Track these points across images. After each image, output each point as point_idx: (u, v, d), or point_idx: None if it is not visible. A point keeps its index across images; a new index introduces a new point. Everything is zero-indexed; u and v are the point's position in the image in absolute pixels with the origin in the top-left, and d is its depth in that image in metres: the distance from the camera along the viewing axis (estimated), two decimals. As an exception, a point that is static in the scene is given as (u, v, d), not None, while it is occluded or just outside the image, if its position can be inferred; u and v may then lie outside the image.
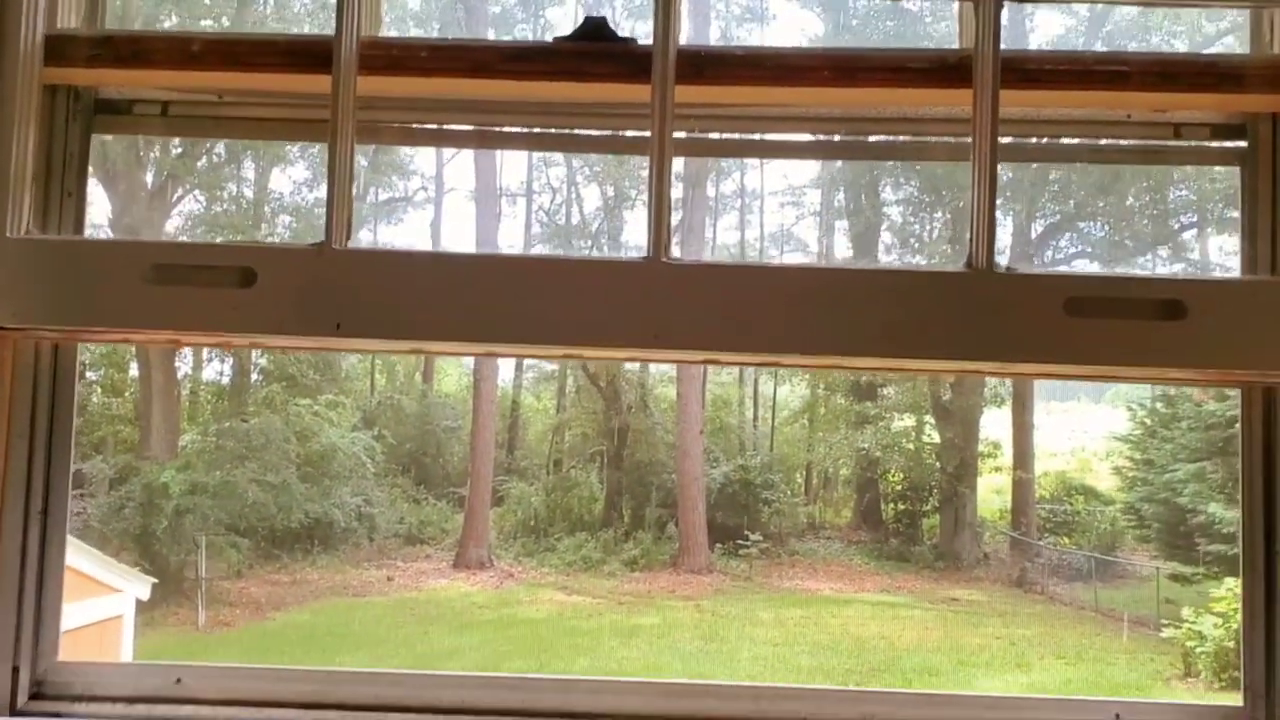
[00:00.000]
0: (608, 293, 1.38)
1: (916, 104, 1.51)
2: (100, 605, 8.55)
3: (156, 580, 10.84)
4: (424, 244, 19.34)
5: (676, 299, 1.38)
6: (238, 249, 1.42)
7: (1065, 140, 1.58)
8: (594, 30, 1.50)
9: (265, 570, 16.41)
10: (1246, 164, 1.51)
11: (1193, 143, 1.54)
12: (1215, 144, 1.55)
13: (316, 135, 1.52)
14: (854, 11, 17.57)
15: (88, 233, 1.53)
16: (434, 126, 1.59)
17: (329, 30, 1.44)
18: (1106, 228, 16.98)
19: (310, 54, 1.47)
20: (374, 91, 1.50)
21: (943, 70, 1.46)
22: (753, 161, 19.40)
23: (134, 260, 1.40)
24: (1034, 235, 17.20)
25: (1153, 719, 1.47)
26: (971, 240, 1.39)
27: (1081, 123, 1.56)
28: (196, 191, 17.63)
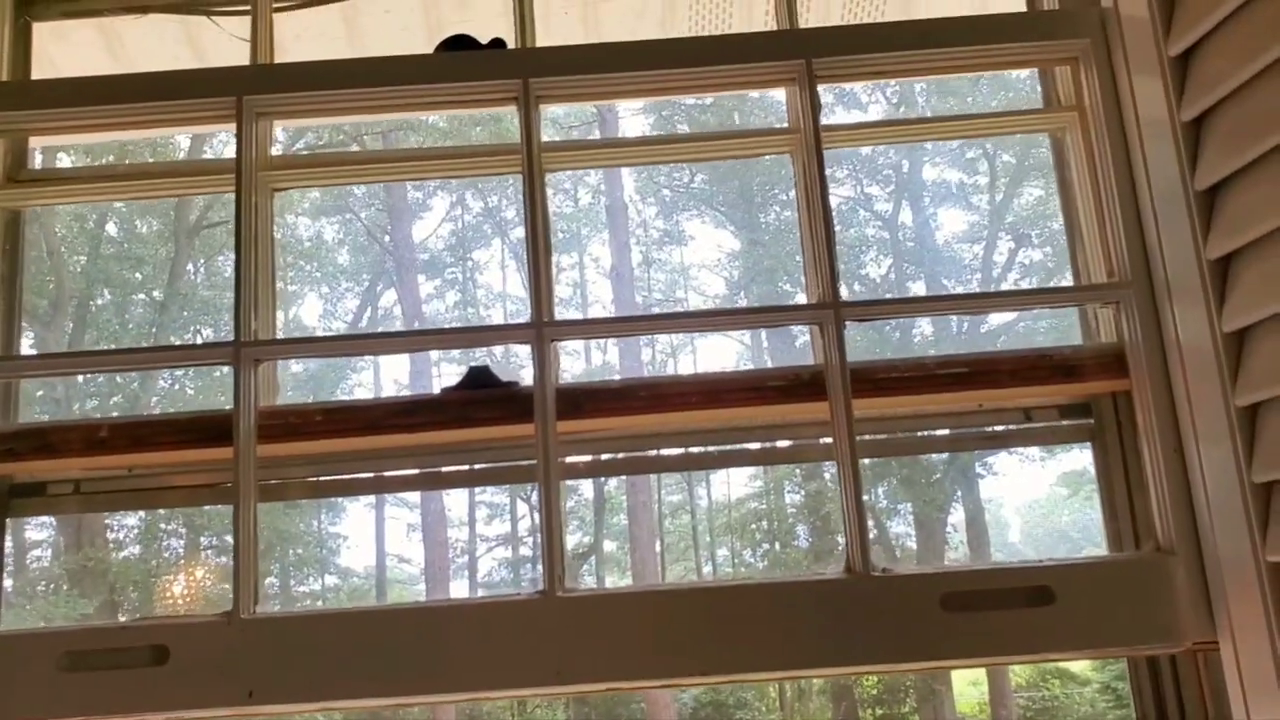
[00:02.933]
0: (508, 633, 1.44)
1: (780, 417, 1.63)
2: None
3: None
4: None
5: (574, 633, 1.43)
6: (148, 628, 1.46)
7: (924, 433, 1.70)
8: (478, 378, 1.61)
9: None
10: (1096, 441, 1.63)
11: (1043, 424, 1.67)
12: (1065, 423, 1.67)
13: (223, 499, 1.60)
14: (765, 227, 18.35)
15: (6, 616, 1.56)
16: (336, 478, 1.67)
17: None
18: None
19: (210, 429, 1.56)
20: (276, 455, 1.58)
21: (799, 385, 1.57)
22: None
23: (46, 650, 1.43)
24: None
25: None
26: (847, 545, 1.48)
27: (941, 415, 1.68)
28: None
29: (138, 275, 16.82)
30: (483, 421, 1.58)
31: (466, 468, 1.71)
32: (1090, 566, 1.46)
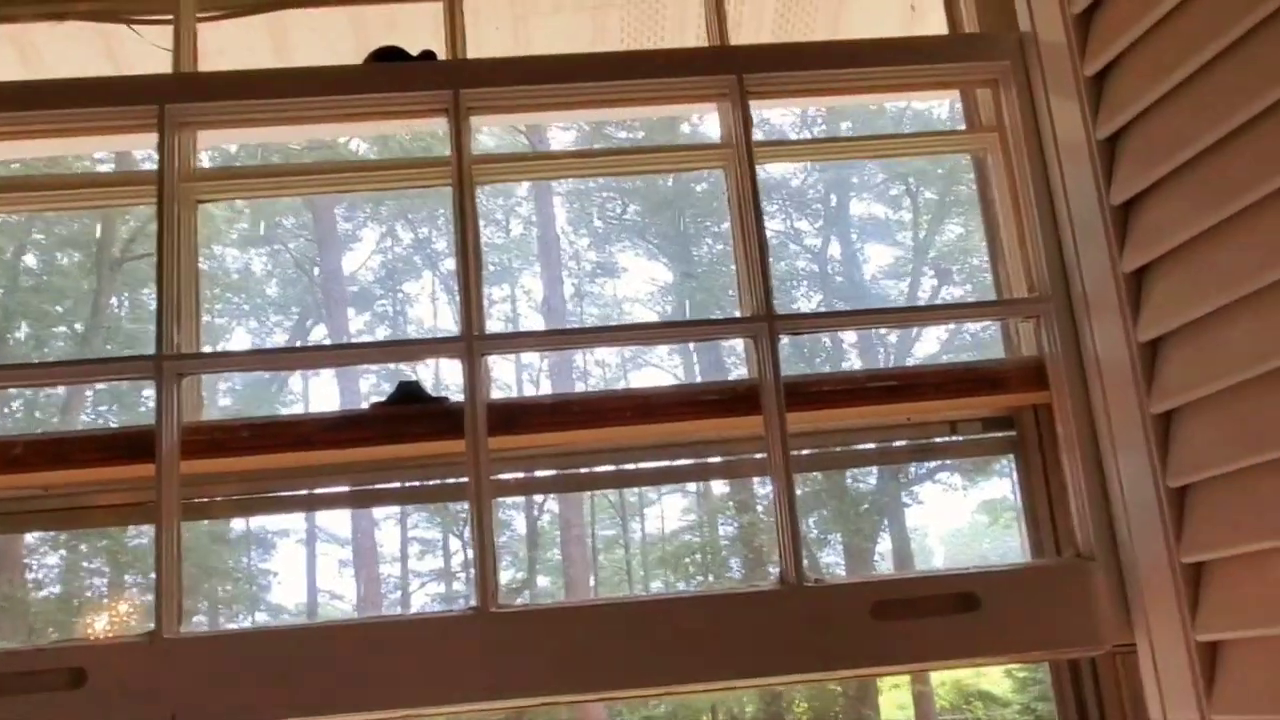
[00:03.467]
0: (441, 649, 1.42)
1: (715, 431, 1.64)
2: None
3: None
4: (299, 525, 18.78)
5: (508, 648, 1.42)
6: (65, 650, 1.42)
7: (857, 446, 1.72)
8: (408, 393, 1.59)
9: None
10: (1017, 452, 1.67)
11: (968, 437, 1.70)
12: (989, 436, 1.70)
13: (146, 518, 1.56)
14: (698, 260, 18.48)
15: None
16: (263, 495, 1.64)
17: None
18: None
19: (132, 444, 1.53)
20: (199, 471, 1.55)
21: (734, 399, 1.59)
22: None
23: (-44, 673, 1.39)
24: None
25: None
26: (780, 556, 1.49)
27: (871, 429, 1.70)
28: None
29: (58, 308, 16.44)
30: (413, 437, 1.56)
31: (397, 485, 1.69)
32: (1014, 573, 1.49)
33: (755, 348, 1.55)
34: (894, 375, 1.61)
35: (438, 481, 1.67)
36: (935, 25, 1.86)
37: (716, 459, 1.71)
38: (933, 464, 17.49)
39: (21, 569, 14.92)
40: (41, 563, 15.62)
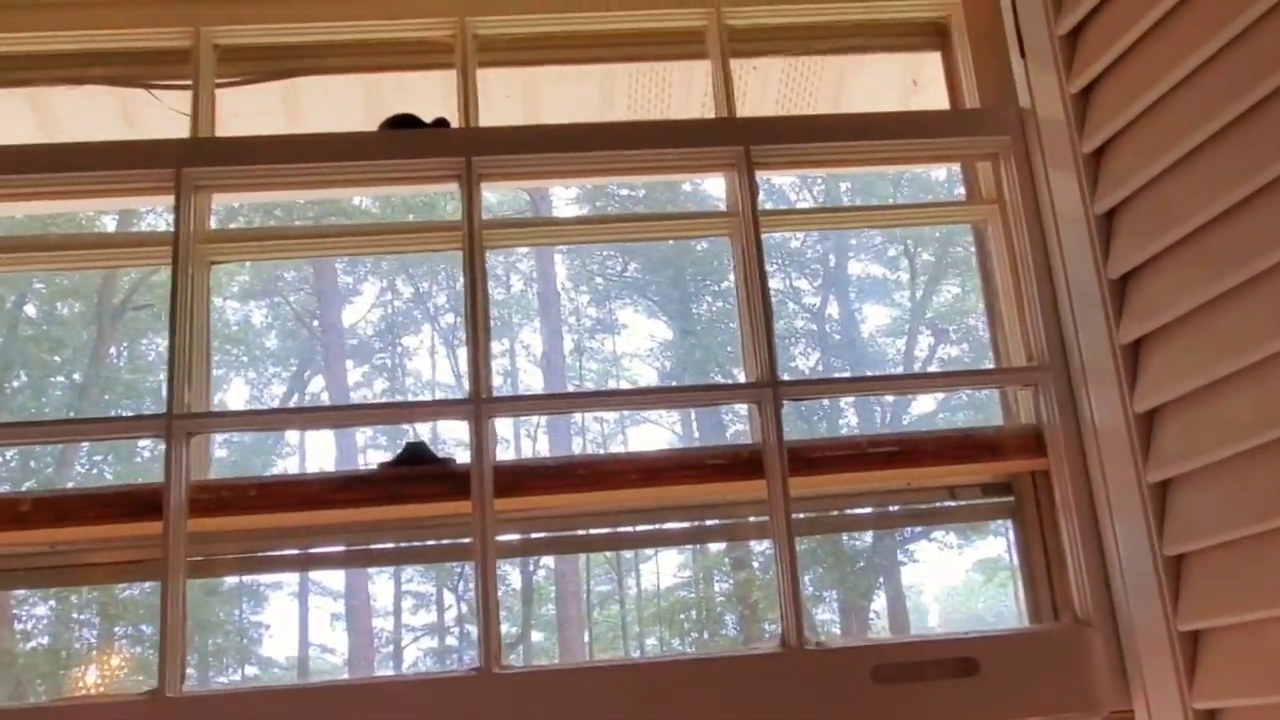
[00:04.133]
0: (443, 711, 1.42)
1: (718, 495, 1.65)
2: None
3: None
4: (292, 578, 18.65)
5: (510, 710, 1.43)
6: (65, 708, 1.42)
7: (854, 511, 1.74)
8: (414, 454, 1.61)
9: None
10: (1016, 518, 1.68)
11: (966, 502, 1.71)
12: (987, 501, 1.72)
13: (150, 575, 1.57)
14: (697, 317, 18.55)
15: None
16: (266, 555, 1.65)
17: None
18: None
19: (139, 503, 1.54)
20: (206, 530, 1.57)
21: (738, 464, 1.60)
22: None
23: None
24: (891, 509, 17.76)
25: None
26: (782, 619, 1.50)
27: (871, 494, 1.72)
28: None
29: (57, 358, 16.44)
30: (418, 498, 1.58)
31: (396, 546, 1.71)
32: (1012, 638, 1.50)
33: (759, 413, 1.57)
34: (894, 441, 1.63)
35: (438, 541, 1.68)
36: (935, 98, 1.91)
37: (715, 521, 1.72)
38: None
39: (9, 620, 14.79)
40: (30, 613, 15.48)
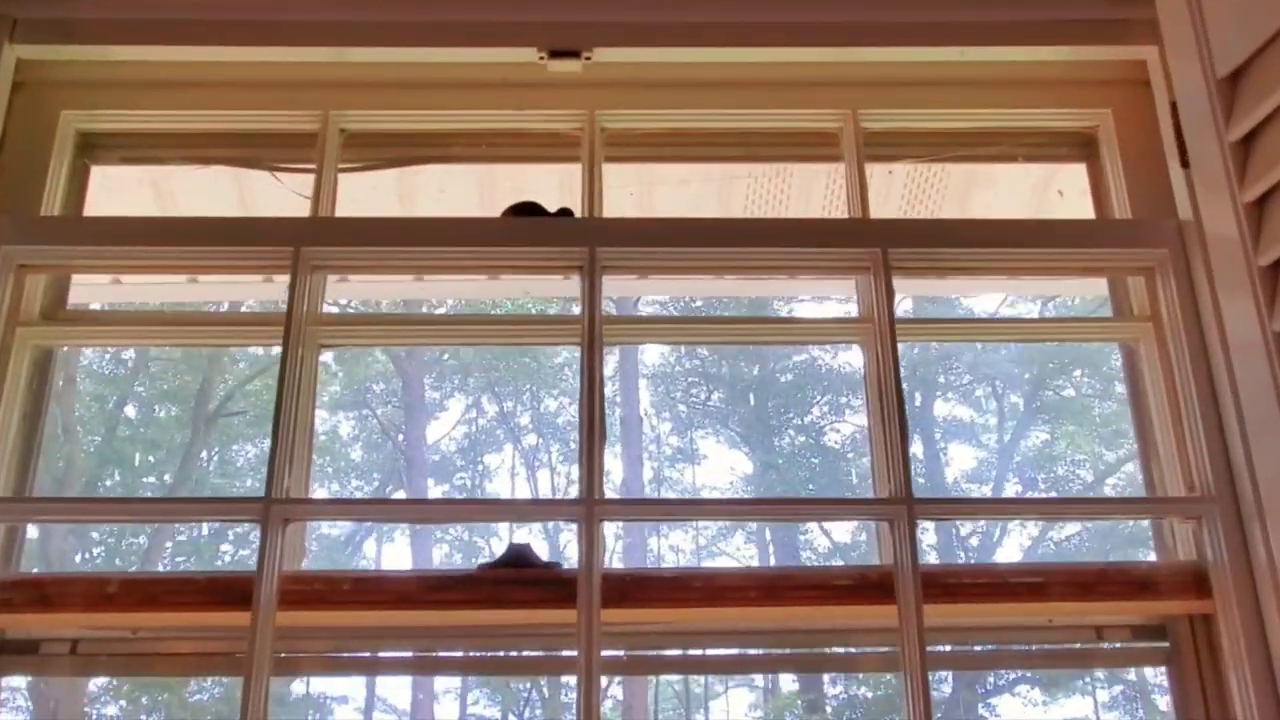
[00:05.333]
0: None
1: (843, 619, 1.52)
2: None
3: None
4: (358, 692, 18.47)
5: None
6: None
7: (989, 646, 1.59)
8: (516, 556, 1.52)
9: None
10: (1172, 664, 1.52)
11: (1116, 644, 1.56)
12: (1138, 644, 1.56)
13: (232, 669, 1.48)
14: (780, 450, 18.33)
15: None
16: (362, 655, 1.56)
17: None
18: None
19: (229, 591, 1.46)
20: (295, 623, 1.48)
21: (865, 586, 1.48)
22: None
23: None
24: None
25: None
26: (914, 763, 1.35)
27: (1007, 629, 1.57)
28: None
29: (150, 459, 16.77)
30: (521, 603, 1.47)
31: (496, 655, 1.60)
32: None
33: (892, 531, 1.45)
34: (1040, 571, 1.50)
35: (537, 653, 1.57)
36: (1078, 212, 1.82)
37: (838, 649, 1.59)
38: (1012, 675, 16.74)
39: (82, 718, 14.79)
40: (101, 713, 15.48)
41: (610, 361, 17.94)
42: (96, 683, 14.78)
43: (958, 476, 18.90)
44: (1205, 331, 1.51)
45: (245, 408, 15.86)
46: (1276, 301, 1.36)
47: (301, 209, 1.68)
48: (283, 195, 1.82)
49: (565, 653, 1.55)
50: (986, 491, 18.31)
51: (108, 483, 16.43)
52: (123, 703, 14.89)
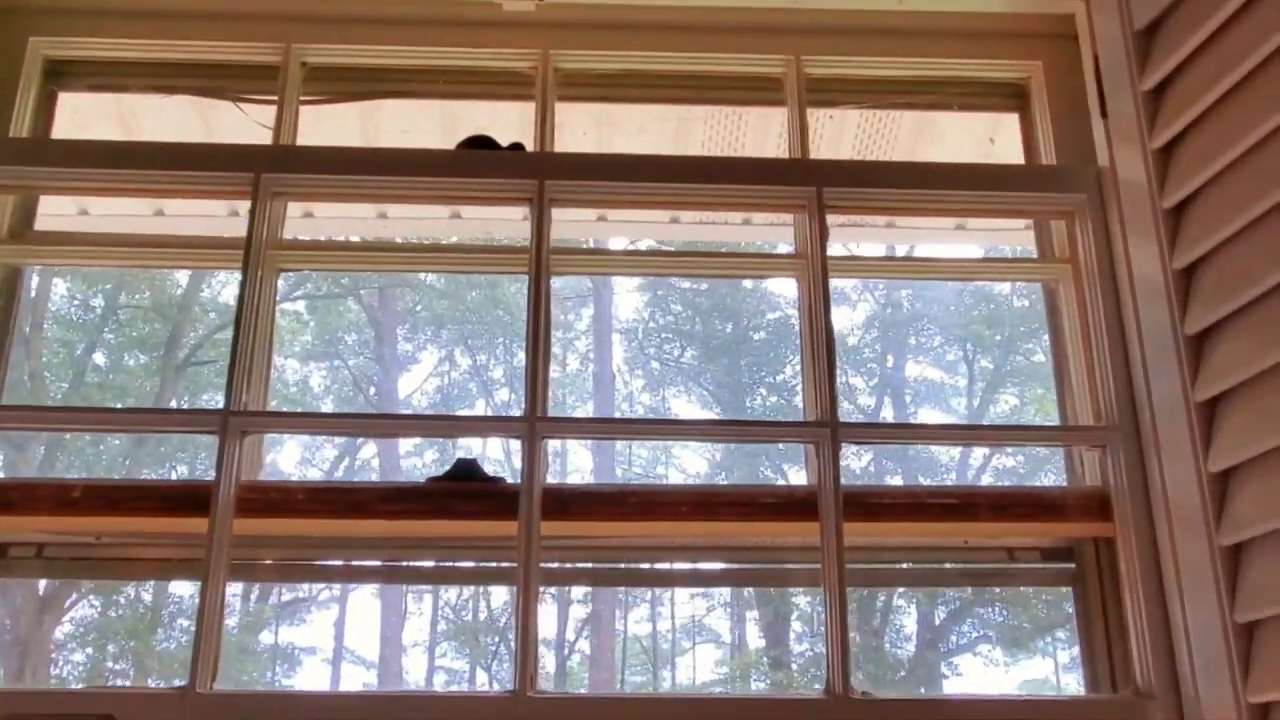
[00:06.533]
0: (473, 730, 1.39)
1: (770, 535, 1.62)
2: None
3: None
4: (326, 644, 18.61)
5: (541, 735, 1.39)
6: (97, 695, 1.40)
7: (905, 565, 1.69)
8: (465, 470, 1.60)
9: None
10: (1077, 585, 1.62)
11: (1026, 565, 1.66)
12: (1047, 566, 1.66)
13: (192, 574, 1.56)
14: (751, 409, 18.42)
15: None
16: (305, 562, 1.64)
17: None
18: (1005, 612, 17.22)
19: (189, 498, 1.54)
20: (251, 531, 1.55)
21: (791, 505, 1.57)
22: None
23: (-12, 709, 1.38)
24: (937, 621, 17.33)
25: None
26: (828, 667, 1.44)
27: (924, 549, 1.67)
28: (91, 596, 17.03)
29: (119, 406, 16.73)
30: (465, 514, 1.56)
31: (437, 565, 1.68)
32: (1069, 704, 1.45)
33: (816, 454, 1.54)
34: (954, 494, 1.60)
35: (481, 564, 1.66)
36: (1011, 158, 1.90)
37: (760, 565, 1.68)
38: (974, 635, 17.01)
39: (48, 663, 14.86)
40: (68, 659, 15.55)
41: (584, 316, 17.93)
42: (61, 632, 14.91)
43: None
44: (1117, 272, 1.60)
45: (215, 357, 15.83)
46: (1178, 242, 1.46)
47: (265, 141, 1.75)
48: (246, 129, 1.87)
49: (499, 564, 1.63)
50: (955, 454, 18.55)
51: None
52: (89, 649, 15.00)
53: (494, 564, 1.64)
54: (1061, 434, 1.66)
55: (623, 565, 1.68)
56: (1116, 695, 1.49)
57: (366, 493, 1.58)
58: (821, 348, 1.59)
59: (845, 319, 17.72)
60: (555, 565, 1.66)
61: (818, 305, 1.61)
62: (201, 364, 16.53)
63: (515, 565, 1.47)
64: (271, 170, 1.63)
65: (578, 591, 17.24)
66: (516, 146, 1.70)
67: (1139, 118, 1.52)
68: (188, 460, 15.95)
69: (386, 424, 1.92)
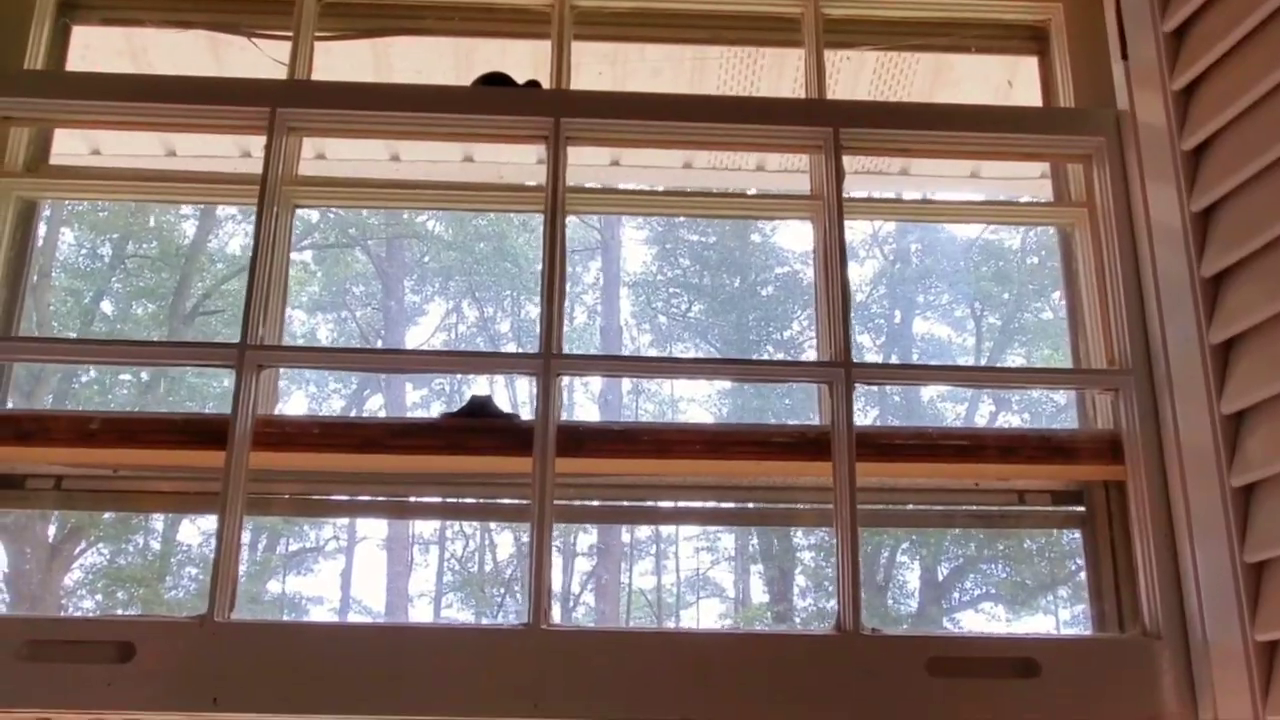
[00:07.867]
0: (487, 661, 1.41)
1: (782, 474, 1.63)
2: None
3: None
4: (333, 594, 18.81)
5: (556, 667, 1.40)
6: (116, 623, 1.42)
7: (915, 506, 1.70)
8: (479, 407, 1.61)
9: None
10: (1086, 528, 1.63)
11: (1036, 508, 1.67)
12: (1056, 509, 1.67)
13: (209, 507, 1.58)
14: (757, 365, 18.43)
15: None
16: (319, 497, 1.65)
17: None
18: (1008, 570, 17.30)
19: (206, 431, 1.55)
20: (266, 465, 1.57)
21: (804, 444, 1.58)
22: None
23: (7, 636, 1.39)
24: (940, 578, 17.45)
25: None
26: (839, 604, 1.46)
27: (934, 490, 1.68)
28: (101, 544, 17.19)
29: (134, 340, 16.77)
30: (480, 450, 1.57)
31: (447, 501, 1.70)
32: (1077, 643, 1.45)
33: (830, 394, 1.55)
34: (965, 435, 1.60)
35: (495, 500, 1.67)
36: (1030, 102, 1.89)
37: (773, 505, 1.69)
38: (977, 592, 17.09)
39: (58, 609, 15.04)
40: (77, 605, 15.73)
41: (592, 269, 17.89)
42: (70, 579, 15.05)
43: (933, 396, 19.13)
44: (1134, 215, 1.60)
45: (223, 306, 15.85)
46: (1196, 184, 1.45)
47: (279, 76, 1.74)
48: (261, 67, 1.86)
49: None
50: (962, 411, 18.57)
51: (83, 378, 16.45)
52: (99, 597, 15.15)
53: (508, 500, 1.65)
54: (1076, 377, 1.66)
55: (647, 504, 1.69)
56: (1124, 635, 1.51)
57: (380, 428, 1.59)
58: (837, 288, 1.58)
59: (853, 275, 17.66)
60: (570, 503, 1.68)
61: (833, 247, 1.60)
62: (209, 314, 16.55)
63: (529, 502, 1.48)
64: (287, 105, 1.62)
65: (583, 543, 17.37)
66: (532, 84, 1.70)
67: (1160, 59, 1.51)
68: (197, 407, 16.03)
69: (401, 359, 1.95)
